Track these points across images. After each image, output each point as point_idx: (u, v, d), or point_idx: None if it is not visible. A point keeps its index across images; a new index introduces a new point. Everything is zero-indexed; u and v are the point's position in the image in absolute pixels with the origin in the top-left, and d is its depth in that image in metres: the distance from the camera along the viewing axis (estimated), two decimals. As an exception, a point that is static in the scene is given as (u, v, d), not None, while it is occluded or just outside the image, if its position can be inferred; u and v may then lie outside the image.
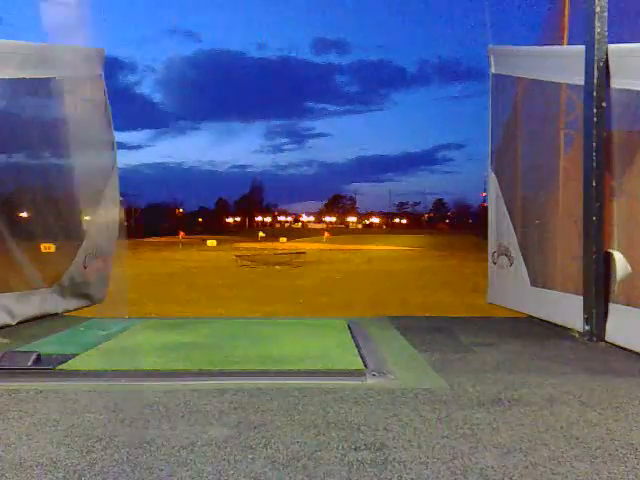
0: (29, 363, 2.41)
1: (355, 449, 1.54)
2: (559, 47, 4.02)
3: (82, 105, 4.44)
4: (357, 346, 2.93)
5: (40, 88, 3.88)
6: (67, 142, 4.27)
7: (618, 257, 3.07)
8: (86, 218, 4.35)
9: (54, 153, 4.30)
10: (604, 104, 3.13)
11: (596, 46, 3.12)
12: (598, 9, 3.12)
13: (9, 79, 3.57)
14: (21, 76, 3.62)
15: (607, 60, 3.11)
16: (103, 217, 4.39)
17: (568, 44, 3.96)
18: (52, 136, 4.11)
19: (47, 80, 3.89)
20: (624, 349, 2.91)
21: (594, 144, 3.14)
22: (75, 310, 4.17)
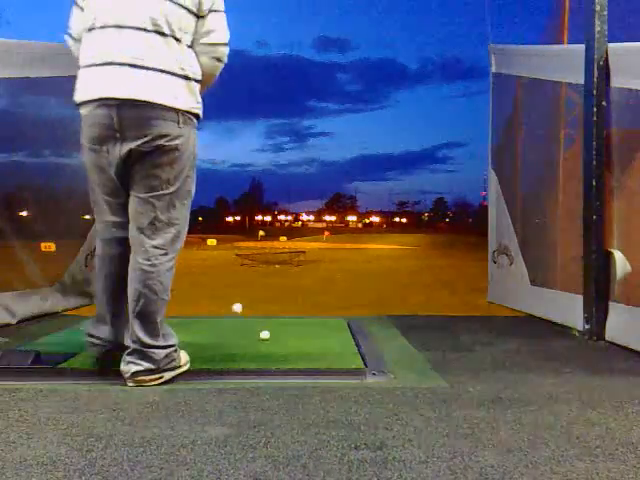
0: (29, 362, 2.41)
1: (355, 448, 1.54)
2: (559, 46, 4.02)
3: None
4: (357, 345, 2.93)
5: (41, 87, 3.88)
6: (69, 141, 4.27)
7: (618, 256, 3.07)
8: (87, 217, 4.35)
9: (54, 152, 4.30)
10: (604, 103, 3.13)
11: (596, 45, 3.12)
12: (598, 8, 3.13)
13: (11, 78, 3.57)
14: (23, 75, 3.62)
15: (607, 59, 3.11)
16: None
17: (568, 43, 3.96)
18: (55, 135, 4.11)
19: (48, 79, 3.88)
20: (624, 348, 2.91)
21: (594, 143, 3.14)
22: (75, 309, 4.18)
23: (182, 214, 2.31)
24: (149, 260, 2.21)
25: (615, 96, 3.10)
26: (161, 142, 2.16)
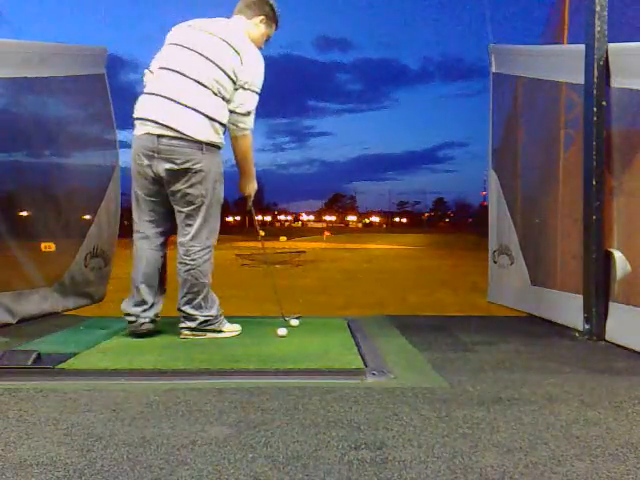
0: (29, 362, 2.41)
1: (355, 448, 1.54)
2: (559, 46, 4.02)
3: (84, 104, 4.45)
4: (357, 345, 2.93)
5: (42, 87, 3.88)
6: (69, 141, 4.27)
7: (618, 256, 3.07)
8: (87, 217, 4.35)
9: (56, 152, 4.30)
10: (604, 103, 3.13)
11: (596, 45, 3.12)
12: (598, 8, 3.12)
13: (10, 78, 3.57)
14: (23, 75, 3.62)
15: (607, 59, 3.11)
16: (104, 216, 4.39)
17: (568, 43, 3.96)
18: (54, 135, 4.11)
19: (49, 79, 3.88)
20: (624, 348, 2.91)
21: (594, 143, 3.14)
22: (75, 309, 4.18)
23: (215, 218, 3.08)
24: (190, 257, 3.01)
25: (615, 96, 3.10)
26: (188, 165, 2.89)
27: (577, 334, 3.30)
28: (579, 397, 2.06)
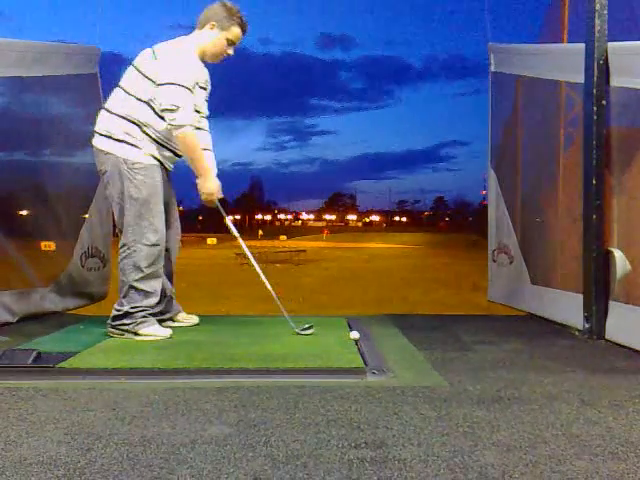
0: (29, 361, 2.41)
1: (355, 447, 1.54)
2: (559, 45, 4.02)
3: (77, 103, 4.44)
4: (357, 344, 2.92)
5: (35, 86, 3.86)
6: (61, 140, 4.26)
7: (618, 255, 3.07)
8: (79, 217, 4.33)
9: (47, 151, 4.28)
10: (604, 102, 3.12)
11: (596, 44, 3.11)
12: (598, 7, 3.12)
13: (4, 77, 3.56)
14: (16, 74, 3.61)
15: (607, 58, 3.10)
16: (95, 216, 4.36)
17: (567, 42, 3.95)
18: (46, 134, 4.10)
19: (42, 78, 3.87)
20: (624, 347, 2.91)
21: (594, 142, 3.13)
22: (75, 308, 4.17)
23: (135, 217, 3.02)
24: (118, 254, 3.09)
25: (615, 95, 3.10)
26: (99, 167, 3.13)
27: (577, 333, 3.30)
28: (579, 396, 2.06)
